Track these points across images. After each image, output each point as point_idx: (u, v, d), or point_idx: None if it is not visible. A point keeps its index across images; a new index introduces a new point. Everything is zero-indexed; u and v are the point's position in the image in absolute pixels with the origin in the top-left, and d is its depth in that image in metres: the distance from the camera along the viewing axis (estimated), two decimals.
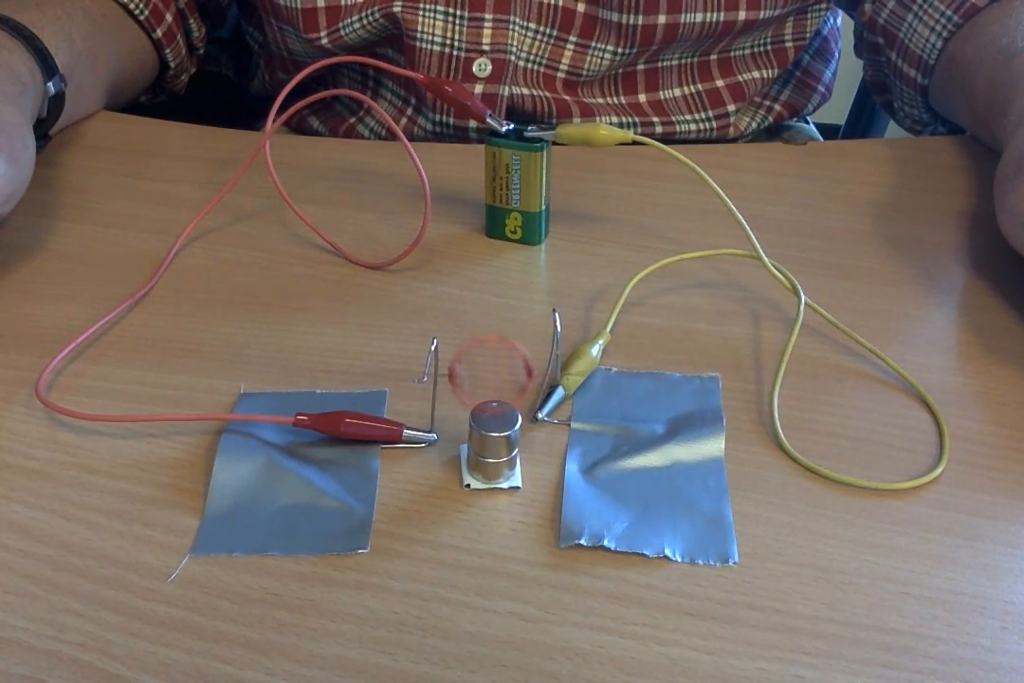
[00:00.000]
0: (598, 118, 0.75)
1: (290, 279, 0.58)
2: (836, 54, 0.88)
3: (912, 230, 0.62)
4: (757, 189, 0.66)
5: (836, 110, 1.14)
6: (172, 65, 0.80)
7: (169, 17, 0.77)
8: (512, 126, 0.58)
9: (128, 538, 0.42)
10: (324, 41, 0.74)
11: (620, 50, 0.73)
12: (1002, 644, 0.38)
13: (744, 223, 0.55)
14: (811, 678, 0.37)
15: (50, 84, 0.63)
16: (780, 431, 0.47)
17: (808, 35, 0.80)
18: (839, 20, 0.89)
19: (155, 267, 0.58)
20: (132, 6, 0.74)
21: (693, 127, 0.78)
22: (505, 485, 0.44)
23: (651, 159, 0.68)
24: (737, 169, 0.68)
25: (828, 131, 0.99)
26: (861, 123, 1.09)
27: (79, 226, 0.62)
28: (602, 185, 0.67)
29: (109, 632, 0.38)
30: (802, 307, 0.53)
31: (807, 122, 0.93)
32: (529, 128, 0.58)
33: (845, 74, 0.95)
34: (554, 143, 0.58)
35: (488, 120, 0.58)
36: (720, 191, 0.56)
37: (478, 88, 0.73)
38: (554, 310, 0.47)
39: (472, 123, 0.74)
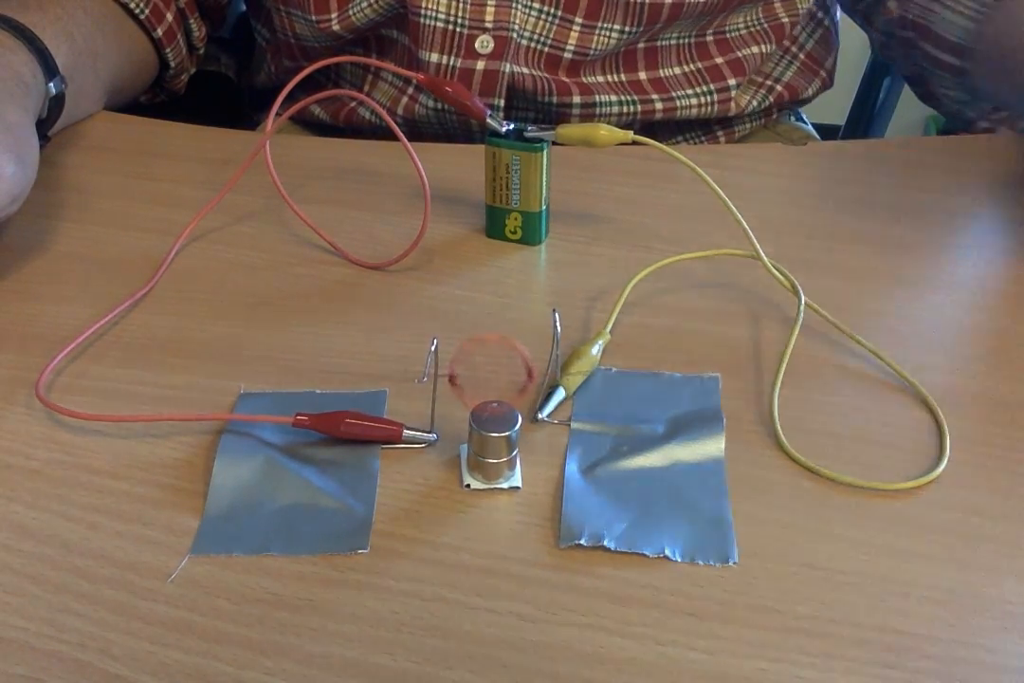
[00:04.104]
0: (598, 98, 0.76)
1: (290, 279, 0.58)
2: (837, 44, 0.88)
3: (912, 230, 0.62)
4: (757, 189, 0.66)
5: (836, 110, 1.14)
6: (172, 65, 0.80)
7: (169, 17, 0.77)
8: (512, 126, 0.58)
9: (128, 538, 0.42)
10: (334, 24, 0.75)
11: (627, 29, 0.74)
12: (1002, 644, 0.38)
13: (744, 223, 0.55)
14: (811, 678, 0.37)
15: (51, 85, 0.63)
16: (780, 431, 0.47)
17: (800, 10, 0.82)
18: (838, 13, 0.89)
19: (155, 267, 0.58)
20: (133, 5, 0.75)
21: (694, 101, 0.78)
22: (505, 485, 0.44)
23: (651, 159, 0.68)
24: (737, 169, 0.68)
25: (828, 131, 0.99)
26: (861, 123, 1.09)
27: (79, 226, 0.62)
28: (602, 185, 0.67)
29: (109, 632, 0.38)
30: (802, 307, 0.53)
31: (805, 121, 0.93)
32: (529, 128, 0.58)
33: (846, 74, 0.95)
34: (554, 143, 0.58)
35: (488, 120, 0.58)
36: (720, 191, 0.56)
37: (480, 64, 0.74)
38: (554, 310, 0.47)
39: None
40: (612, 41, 0.74)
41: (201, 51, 0.83)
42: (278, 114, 0.60)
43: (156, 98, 0.83)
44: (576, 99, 0.75)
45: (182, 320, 0.54)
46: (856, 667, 0.37)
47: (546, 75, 0.75)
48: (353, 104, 0.80)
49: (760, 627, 0.39)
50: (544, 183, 0.59)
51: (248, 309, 0.55)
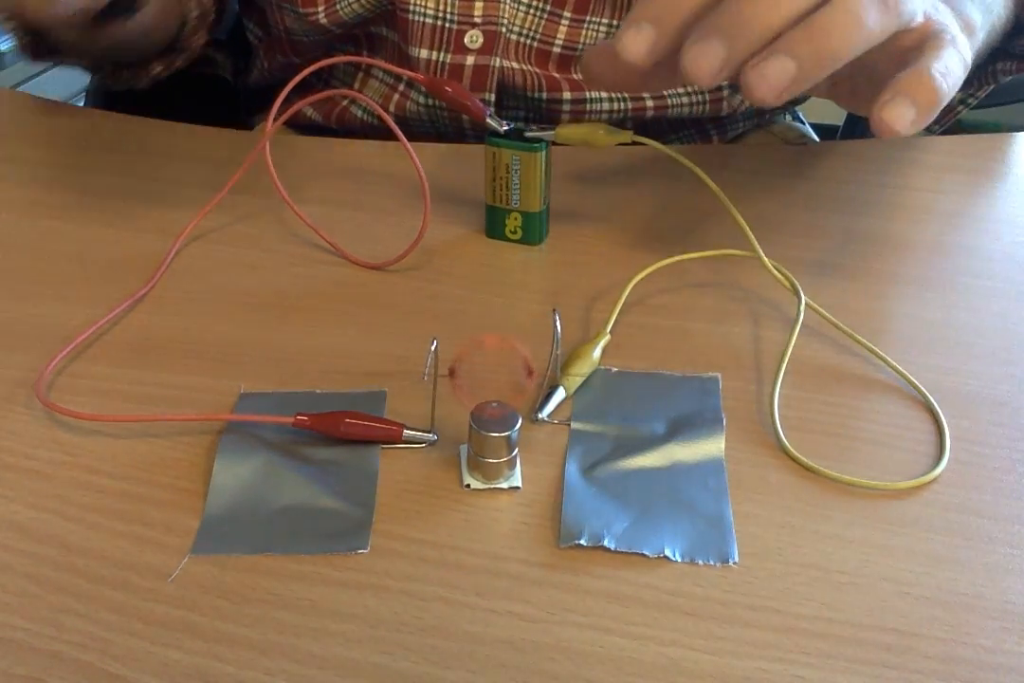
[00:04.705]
0: (588, 94, 0.76)
1: (290, 279, 0.58)
2: None
3: (912, 230, 0.63)
4: (757, 189, 0.66)
5: (835, 110, 1.14)
6: (195, 14, 0.77)
7: None
8: (512, 126, 0.58)
9: (128, 538, 0.42)
10: (321, 16, 0.75)
11: (615, 23, 0.74)
12: (1002, 644, 0.38)
13: (744, 223, 0.55)
14: (811, 678, 0.37)
15: None
16: (780, 431, 0.47)
17: None
18: None
19: (155, 267, 0.58)
20: None
21: (686, 100, 0.78)
22: (505, 485, 0.44)
23: (651, 159, 0.68)
24: (737, 169, 0.68)
25: (827, 131, 0.99)
26: (860, 123, 1.09)
27: (79, 226, 0.62)
28: (602, 185, 0.67)
29: (109, 632, 0.38)
30: (802, 307, 0.53)
31: (803, 122, 0.93)
32: (529, 128, 0.58)
33: None
34: (554, 143, 0.58)
35: (488, 120, 0.58)
36: (720, 191, 0.56)
37: (469, 59, 0.74)
38: (554, 310, 0.47)
39: None
40: (601, 35, 0.74)
41: (212, 18, 0.81)
42: (276, 116, 0.60)
43: (173, 64, 0.80)
44: (566, 95, 0.76)
45: (182, 320, 0.54)
46: (856, 667, 0.37)
47: (536, 70, 0.75)
48: (345, 103, 0.80)
49: (760, 627, 0.39)
50: (544, 183, 0.59)
51: (248, 309, 0.55)
